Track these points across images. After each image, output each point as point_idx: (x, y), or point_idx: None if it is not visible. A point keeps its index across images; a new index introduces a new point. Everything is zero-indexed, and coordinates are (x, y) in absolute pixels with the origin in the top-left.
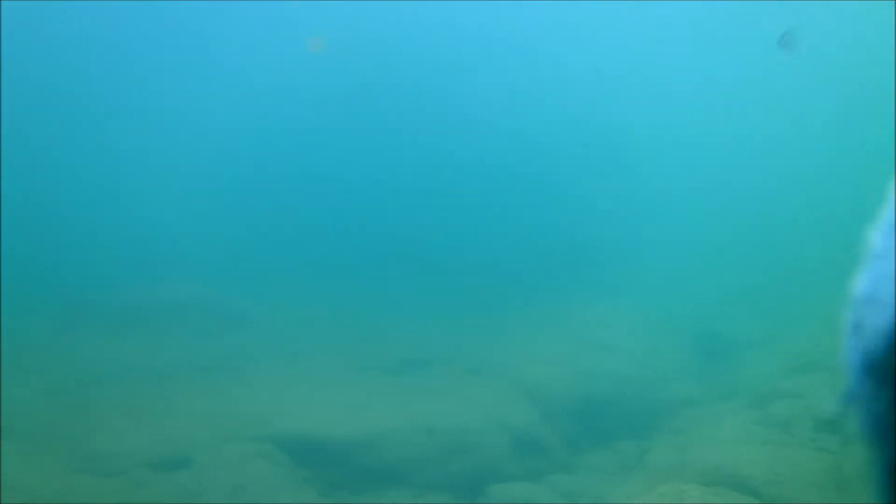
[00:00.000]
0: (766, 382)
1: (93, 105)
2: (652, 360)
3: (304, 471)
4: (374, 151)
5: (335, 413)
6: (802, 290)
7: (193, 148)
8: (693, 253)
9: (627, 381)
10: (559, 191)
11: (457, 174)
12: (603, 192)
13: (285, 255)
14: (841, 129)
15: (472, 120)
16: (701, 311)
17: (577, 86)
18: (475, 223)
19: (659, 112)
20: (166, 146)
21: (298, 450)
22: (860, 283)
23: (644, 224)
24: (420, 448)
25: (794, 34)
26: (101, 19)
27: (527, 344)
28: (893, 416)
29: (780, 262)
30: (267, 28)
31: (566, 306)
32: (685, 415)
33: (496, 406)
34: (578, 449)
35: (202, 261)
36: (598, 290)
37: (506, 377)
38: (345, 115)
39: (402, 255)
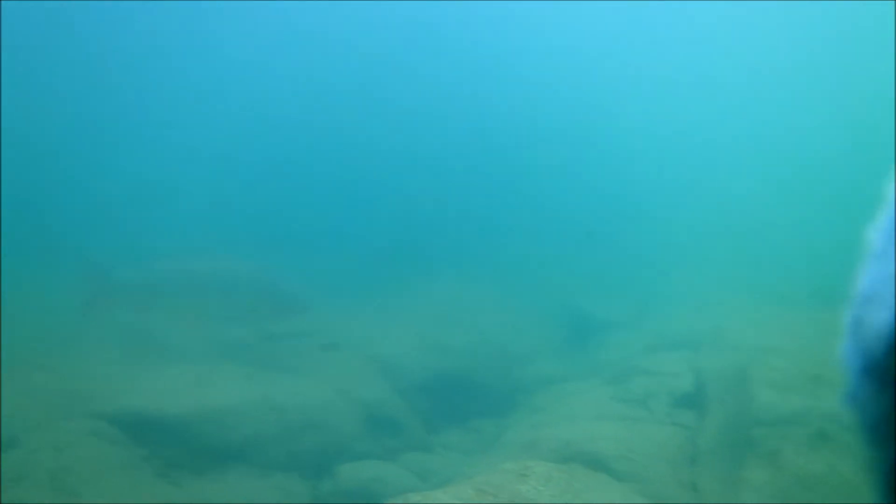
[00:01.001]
0: (627, 360)
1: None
2: (517, 340)
3: (141, 449)
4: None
5: (178, 389)
6: (670, 272)
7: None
8: (566, 236)
9: (489, 360)
10: (432, 172)
11: (327, 150)
12: (476, 173)
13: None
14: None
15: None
16: (570, 293)
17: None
18: (343, 200)
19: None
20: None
21: (135, 427)
22: (859, 284)
23: (520, 206)
24: (266, 426)
25: None
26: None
27: (387, 321)
28: (893, 417)
29: (650, 246)
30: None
31: (432, 286)
32: (545, 392)
33: (349, 383)
34: (435, 427)
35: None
36: (468, 272)
37: (362, 353)
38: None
39: (271, 229)
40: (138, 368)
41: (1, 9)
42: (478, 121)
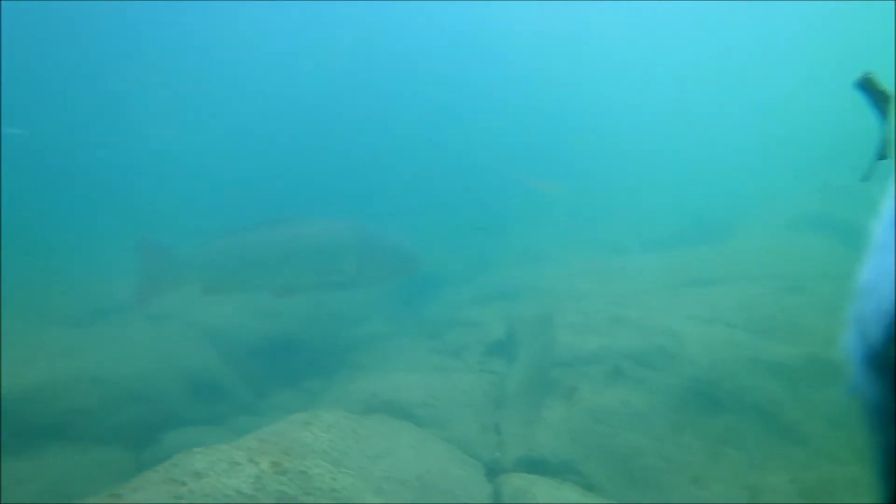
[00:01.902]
0: (450, 314)
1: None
2: (349, 301)
3: None
4: None
5: None
6: (510, 230)
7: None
8: (408, 196)
9: (320, 322)
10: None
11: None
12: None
13: None
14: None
15: None
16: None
17: None
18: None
19: None
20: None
21: None
22: (861, 275)
23: (362, 167)
24: (85, 399)
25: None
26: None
27: None
28: (893, 406)
29: (488, 207)
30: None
31: None
32: (371, 350)
33: (174, 351)
34: (264, 390)
35: None
36: None
37: (187, 321)
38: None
39: (95, 203)
40: None
41: (1, 9)
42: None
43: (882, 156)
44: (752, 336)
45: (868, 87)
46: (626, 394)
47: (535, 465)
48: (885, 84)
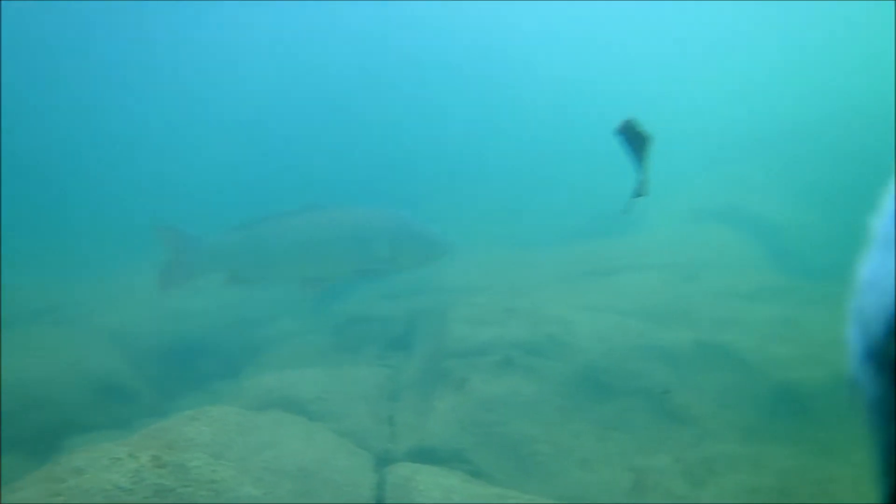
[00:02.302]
0: (354, 311)
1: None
2: (256, 300)
3: None
4: None
5: None
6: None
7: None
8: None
9: (227, 322)
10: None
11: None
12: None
13: None
14: None
15: None
16: None
17: None
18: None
19: None
20: None
21: None
22: (862, 270)
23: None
24: None
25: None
26: None
27: (119, 291)
28: (893, 402)
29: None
30: None
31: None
32: (276, 349)
33: (79, 355)
34: (171, 392)
35: None
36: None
37: (93, 324)
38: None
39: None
40: None
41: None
42: None
43: (638, 193)
44: (644, 323)
45: (628, 131)
46: (515, 382)
47: (426, 455)
48: (644, 127)
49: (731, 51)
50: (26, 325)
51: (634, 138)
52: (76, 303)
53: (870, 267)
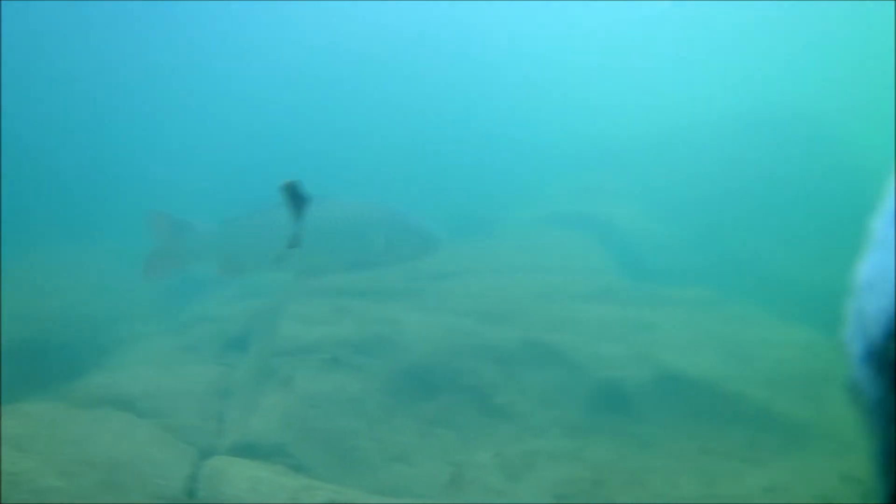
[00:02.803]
0: (204, 310)
1: None
2: (107, 302)
3: None
4: None
5: None
6: None
7: None
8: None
9: (73, 323)
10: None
11: None
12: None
13: None
14: None
15: None
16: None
17: None
18: None
19: None
20: None
21: None
22: (861, 272)
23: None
24: None
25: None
26: None
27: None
28: (893, 402)
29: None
30: None
31: (25, 254)
32: (124, 350)
33: None
34: (12, 395)
35: None
36: (76, 233)
37: None
38: None
39: None
40: None
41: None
42: None
43: (292, 245)
44: (474, 323)
45: (289, 191)
46: (341, 380)
47: (248, 449)
48: (303, 189)
49: (600, 61)
50: None
51: (295, 197)
52: None
53: (869, 269)
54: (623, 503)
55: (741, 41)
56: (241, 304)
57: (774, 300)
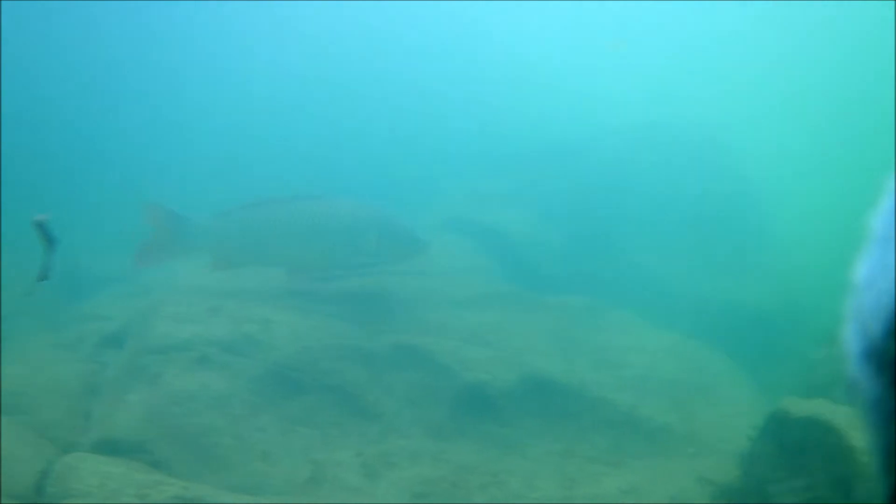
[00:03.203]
0: (88, 308)
1: None
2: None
3: None
4: None
5: None
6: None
7: None
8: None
9: None
10: None
11: None
12: None
13: None
14: None
15: None
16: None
17: None
18: None
19: None
20: None
21: None
22: (860, 269)
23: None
24: None
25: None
26: None
27: None
28: (893, 402)
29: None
30: None
31: None
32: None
33: None
34: None
35: None
36: None
37: None
38: None
39: None
40: None
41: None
42: None
43: (42, 277)
44: (347, 324)
45: (40, 226)
46: (207, 378)
47: (110, 446)
48: (51, 228)
49: (500, 66)
50: None
51: (45, 233)
52: None
53: (868, 265)
54: (478, 503)
55: (639, 49)
56: (125, 303)
57: (655, 308)
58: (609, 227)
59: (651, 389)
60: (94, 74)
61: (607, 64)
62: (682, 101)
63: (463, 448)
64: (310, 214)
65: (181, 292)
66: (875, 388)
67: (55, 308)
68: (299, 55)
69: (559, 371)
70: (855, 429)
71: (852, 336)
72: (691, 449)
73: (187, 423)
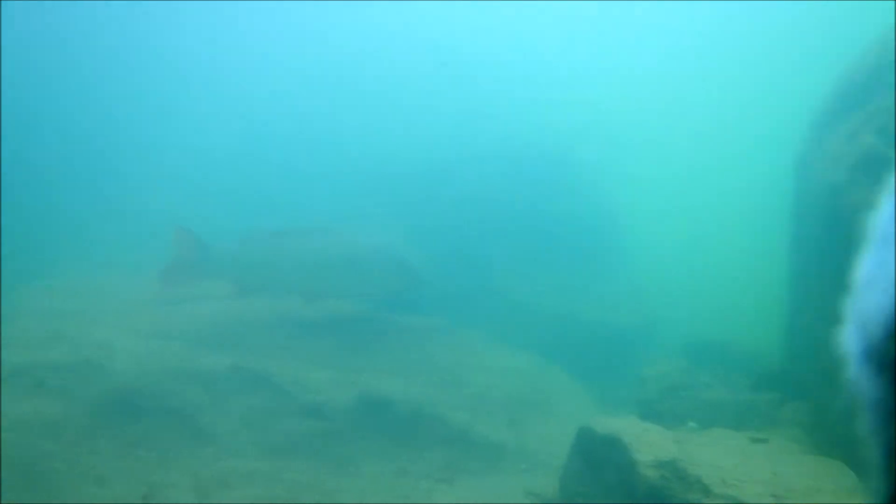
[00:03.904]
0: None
1: None
2: None
3: None
4: None
5: None
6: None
7: None
8: None
9: None
10: None
11: None
12: None
13: None
14: None
15: None
16: None
17: None
18: None
19: None
20: None
21: None
22: (860, 269)
23: None
24: None
25: None
26: None
27: None
28: (893, 402)
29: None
30: None
31: None
32: None
33: None
34: None
35: None
36: None
37: None
38: None
39: None
40: None
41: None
42: None
43: None
44: (188, 347)
45: None
46: (42, 404)
47: None
48: None
49: (374, 93)
50: None
51: None
52: None
53: (868, 265)
54: None
55: (505, 71)
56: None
57: (511, 327)
58: (472, 248)
59: (486, 407)
60: (99, 84)
61: (468, 86)
62: (545, 125)
63: (297, 467)
64: (320, 248)
65: (23, 316)
66: (875, 389)
67: None
68: None
69: (398, 391)
70: (641, 444)
71: (852, 336)
72: (523, 464)
73: (19, 449)
